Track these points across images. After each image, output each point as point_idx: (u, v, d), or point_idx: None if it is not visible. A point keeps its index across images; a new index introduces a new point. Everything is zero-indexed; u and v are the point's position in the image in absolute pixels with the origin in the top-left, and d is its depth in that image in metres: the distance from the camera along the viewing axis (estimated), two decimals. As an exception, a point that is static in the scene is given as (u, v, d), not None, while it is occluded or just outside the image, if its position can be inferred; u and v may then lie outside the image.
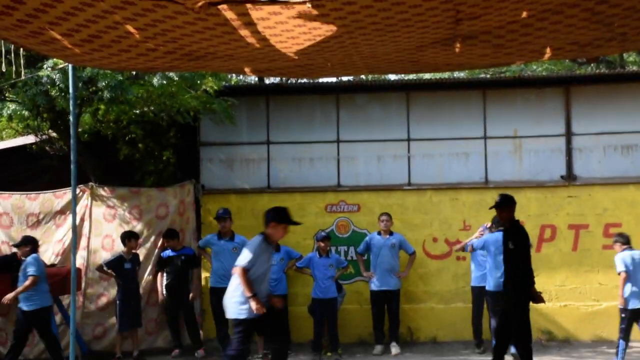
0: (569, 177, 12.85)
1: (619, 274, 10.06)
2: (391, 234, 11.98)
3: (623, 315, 10.10)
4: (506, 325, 8.69)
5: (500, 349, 8.75)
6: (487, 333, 11.68)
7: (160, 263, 11.75)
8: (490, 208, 9.08)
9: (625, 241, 10.28)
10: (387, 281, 11.80)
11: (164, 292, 11.68)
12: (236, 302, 7.62)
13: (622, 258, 10.10)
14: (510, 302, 8.61)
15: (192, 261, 11.77)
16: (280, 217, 7.80)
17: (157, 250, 11.96)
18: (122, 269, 11.34)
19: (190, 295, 11.72)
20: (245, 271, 7.50)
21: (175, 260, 11.63)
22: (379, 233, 11.96)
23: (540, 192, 12.82)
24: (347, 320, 12.31)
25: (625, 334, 10.08)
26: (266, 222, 7.76)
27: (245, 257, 7.53)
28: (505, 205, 8.74)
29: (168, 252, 11.75)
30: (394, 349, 11.57)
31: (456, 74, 13.75)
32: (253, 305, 7.42)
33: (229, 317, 7.79)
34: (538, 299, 8.66)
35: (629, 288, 10.01)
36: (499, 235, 10.13)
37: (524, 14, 5.35)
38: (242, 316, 7.55)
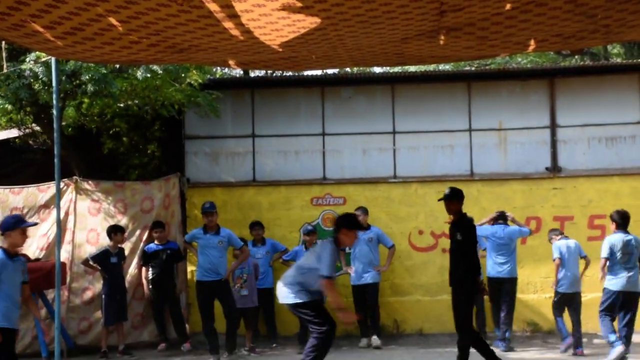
0: (554, 169, 12.90)
1: (554, 260, 10.92)
2: (368, 227, 11.94)
3: (556, 298, 11.01)
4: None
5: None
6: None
7: (145, 257, 11.72)
8: (439, 200, 9.08)
9: (559, 232, 11.30)
10: (365, 275, 11.84)
11: (150, 286, 11.66)
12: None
13: (558, 246, 10.96)
14: (458, 293, 8.73)
15: (177, 255, 11.76)
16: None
17: (142, 244, 11.93)
18: (108, 263, 11.31)
19: (176, 289, 11.72)
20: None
21: (161, 254, 11.61)
22: None
23: (526, 184, 12.87)
24: (334, 314, 12.29)
25: (559, 312, 11.01)
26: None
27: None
28: (453, 198, 8.81)
29: (153, 246, 11.73)
30: (375, 341, 11.59)
31: (441, 67, 13.78)
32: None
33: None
34: (482, 290, 8.94)
35: (562, 274, 10.85)
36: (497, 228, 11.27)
37: (508, 6, 5.35)
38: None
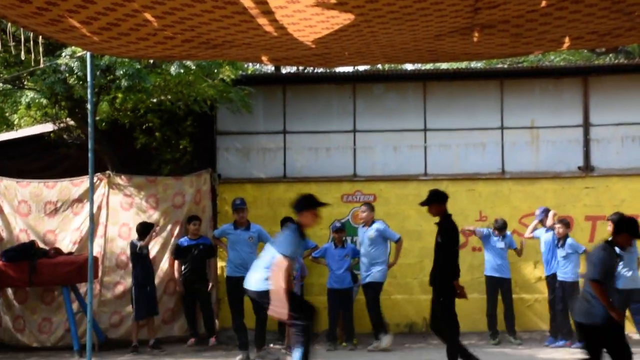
0: (587, 168, 12.80)
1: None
2: (373, 223, 11.65)
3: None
4: (434, 316, 8.94)
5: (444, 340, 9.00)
6: (501, 324, 11.69)
7: (177, 251, 11.77)
8: (421, 204, 9.07)
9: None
10: (367, 274, 11.51)
11: (181, 280, 11.71)
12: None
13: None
14: (436, 294, 8.81)
15: (209, 251, 11.79)
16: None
17: (173, 239, 11.99)
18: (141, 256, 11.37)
19: (208, 284, 11.75)
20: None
21: (193, 249, 11.66)
22: (363, 225, 11.80)
23: (557, 183, 12.78)
24: (363, 311, 12.31)
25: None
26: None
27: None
28: (434, 201, 8.87)
29: (185, 241, 11.78)
30: (380, 343, 11.18)
31: (473, 64, 13.70)
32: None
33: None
34: (461, 293, 8.85)
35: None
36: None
37: (543, 3, 5.32)
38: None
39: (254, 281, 7.48)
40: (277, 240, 7.58)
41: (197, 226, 11.72)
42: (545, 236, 11.68)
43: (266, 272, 7.29)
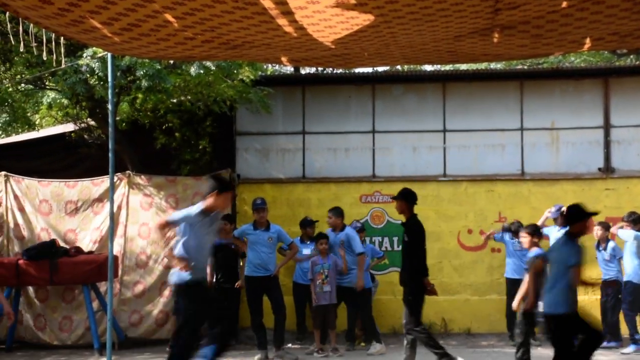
0: (607, 170, 12.72)
1: None
2: (343, 229, 11.24)
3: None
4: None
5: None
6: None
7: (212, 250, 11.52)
8: (392, 198, 9.23)
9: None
10: (347, 279, 11.14)
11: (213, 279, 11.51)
12: None
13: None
14: (405, 293, 8.91)
15: (239, 250, 11.60)
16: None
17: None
18: None
19: (238, 283, 11.52)
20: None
21: (225, 249, 11.47)
22: (332, 229, 11.40)
23: (577, 184, 12.70)
24: (381, 311, 12.31)
25: None
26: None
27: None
28: (403, 198, 8.95)
29: (217, 240, 11.62)
30: (372, 347, 11.03)
31: (493, 65, 13.64)
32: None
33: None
34: (430, 290, 8.95)
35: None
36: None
37: (564, 4, 5.30)
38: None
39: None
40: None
41: (229, 226, 11.60)
42: (557, 234, 11.55)
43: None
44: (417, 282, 8.79)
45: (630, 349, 10.94)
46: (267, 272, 10.58)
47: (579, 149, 12.82)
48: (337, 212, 11.34)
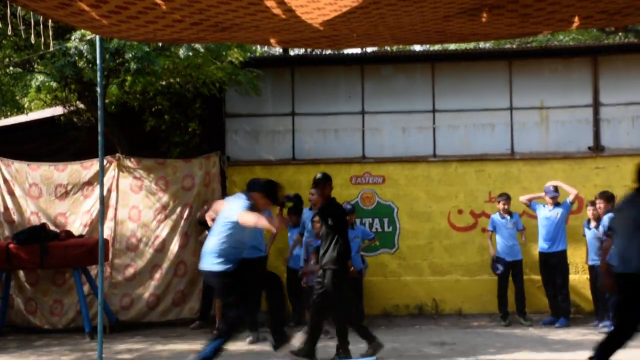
0: (597, 148, 12.78)
1: None
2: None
3: None
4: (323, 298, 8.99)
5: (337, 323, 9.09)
6: (511, 306, 11.72)
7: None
8: (314, 183, 9.20)
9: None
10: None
11: None
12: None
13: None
14: (326, 276, 8.86)
15: None
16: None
17: (182, 222, 11.98)
18: None
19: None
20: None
21: None
22: (310, 208, 11.07)
23: (567, 163, 12.77)
24: (372, 292, 12.39)
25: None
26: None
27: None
28: (326, 182, 9.06)
29: None
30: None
31: (481, 45, 13.67)
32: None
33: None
34: (352, 272, 9.29)
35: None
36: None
37: (552, -17, 5.32)
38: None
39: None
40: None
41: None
42: (549, 213, 11.62)
43: None
44: (342, 265, 8.86)
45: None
46: (261, 253, 10.62)
47: (568, 128, 12.88)
48: (320, 189, 11.23)
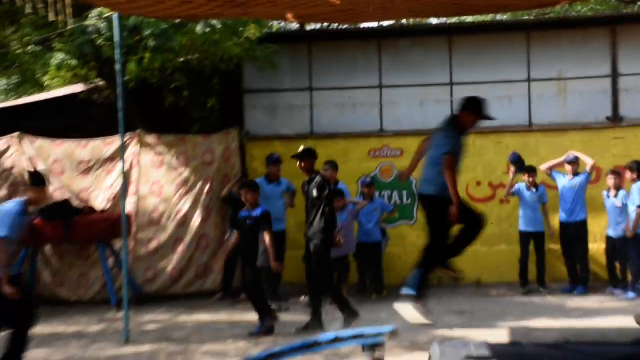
0: (615, 119, 12.73)
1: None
2: (336, 184, 11.09)
3: None
4: (310, 269, 9.31)
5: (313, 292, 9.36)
6: (532, 274, 11.76)
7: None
8: (292, 157, 9.50)
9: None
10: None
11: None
12: None
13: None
14: (312, 246, 9.15)
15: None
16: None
17: (203, 196, 12.08)
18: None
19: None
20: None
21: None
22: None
23: (586, 134, 12.73)
24: (392, 264, 12.46)
25: None
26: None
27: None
28: (306, 156, 9.29)
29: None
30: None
31: (499, 17, 13.59)
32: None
33: None
34: (338, 242, 9.37)
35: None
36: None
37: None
38: None
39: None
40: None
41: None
42: (569, 183, 11.64)
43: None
44: (328, 235, 9.11)
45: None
46: (281, 225, 10.70)
47: (586, 99, 12.83)
48: (333, 165, 11.23)
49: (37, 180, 7.77)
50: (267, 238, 9.11)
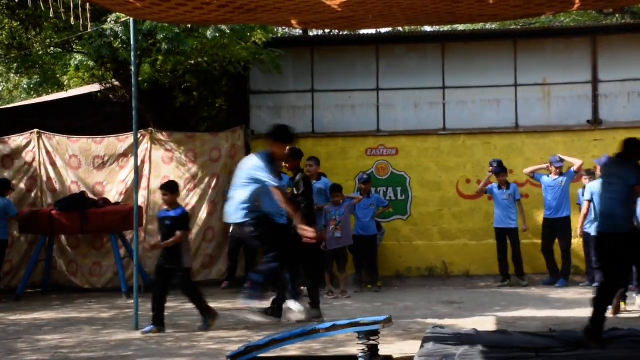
0: (595, 122, 12.73)
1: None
2: (319, 179, 11.06)
3: None
4: (305, 262, 8.90)
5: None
6: (511, 268, 11.76)
7: None
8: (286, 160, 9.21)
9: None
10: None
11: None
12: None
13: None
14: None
15: None
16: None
17: (210, 191, 12.08)
18: None
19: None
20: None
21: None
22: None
23: (568, 136, 12.74)
24: (386, 256, 12.46)
25: None
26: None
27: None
28: (293, 157, 9.11)
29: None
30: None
31: (488, 25, 13.59)
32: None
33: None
34: (321, 237, 9.47)
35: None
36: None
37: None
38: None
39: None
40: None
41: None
42: (554, 181, 11.60)
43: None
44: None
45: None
46: (283, 220, 10.65)
47: (569, 103, 12.84)
48: (317, 161, 11.10)
49: None
50: (176, 237, 8.54)
